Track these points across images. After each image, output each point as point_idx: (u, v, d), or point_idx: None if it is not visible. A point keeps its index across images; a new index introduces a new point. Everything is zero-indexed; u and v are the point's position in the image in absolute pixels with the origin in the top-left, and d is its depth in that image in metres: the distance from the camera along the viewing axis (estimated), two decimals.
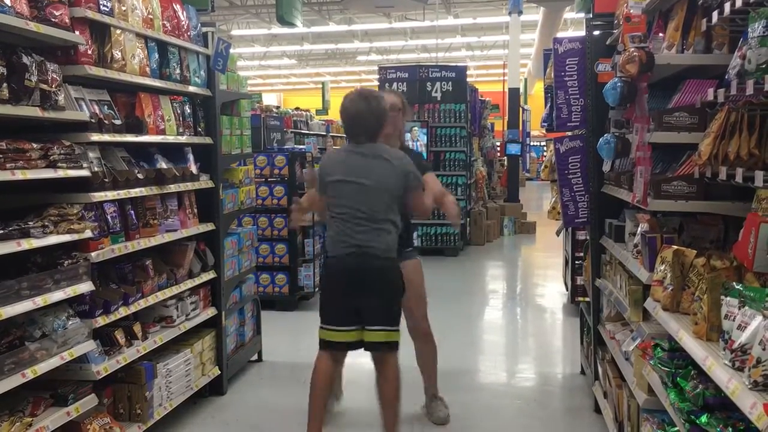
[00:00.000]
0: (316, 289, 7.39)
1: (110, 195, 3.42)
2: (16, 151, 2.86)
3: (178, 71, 4.10)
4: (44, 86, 2.97)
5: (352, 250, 3.46)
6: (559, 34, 10.89)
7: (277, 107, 18.83)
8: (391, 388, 3.58)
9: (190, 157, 4.30)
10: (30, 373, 2.85)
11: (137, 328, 3.73)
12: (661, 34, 3.29)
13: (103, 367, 3.35)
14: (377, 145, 3.57)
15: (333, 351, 3.59)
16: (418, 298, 4.23)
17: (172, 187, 3.97)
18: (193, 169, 4.27)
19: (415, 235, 4.83)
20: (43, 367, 2.93)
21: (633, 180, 3.37)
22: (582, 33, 4.51)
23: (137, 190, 3.64)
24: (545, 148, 28.00)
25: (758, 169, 2.31)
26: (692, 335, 2.42)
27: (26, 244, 2.87)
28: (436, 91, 10.72)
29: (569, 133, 4.70)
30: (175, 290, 4.03)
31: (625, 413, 3.44)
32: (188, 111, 4.27)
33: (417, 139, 10.27)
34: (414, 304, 4.18)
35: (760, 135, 2.37)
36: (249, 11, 20.07)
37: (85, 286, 3.19)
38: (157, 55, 3.92)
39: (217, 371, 4.60)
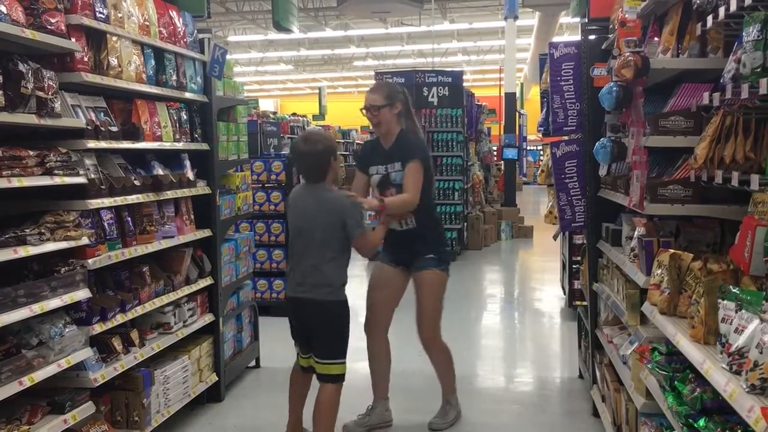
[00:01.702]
0: None
1: (107, 202, 3.42)
2: (12, 158, 2.85)
3: (174, 78, 4.10)
4: (40, 93, 2.97)
5: (299, 287, 3.69)
6: (555, 39, 10.91)
7: (274, 113, 18.84)
8: (317, 411, 3.69)
9: (187, 163, 4.30)
10: (27, 381, 2.84)
11: (134, 335, 3.72)
12: (656, 39, 3.30)
13: (100, 375, 3.34)
14: (319, 192, 3.62)
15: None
16: (424, 313, 4.18)
17: (169, 194, 3.97)
18: (190, 175, 4.27)
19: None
20: (40, 375, 2.92)
21: (629, 184, 3.38)
22: (578, 38, 4.52)
23: (134, 196, 3.64)
24: (542, 153, 28.02)
25: (754, 173, 2.32)
26: (689, 339, 2.42)
27: (23, 252, 2.87)
28: (432, 96, 10.72)
29: (565, 138, 4.71)
30: (172, 297, 4.02)
31: (623, 417, 3.44)
32: (185, 117, 4.27)
33: None
34: (419, 319, 4.19)
35: (756, 138, 2.38)
36: (245, 17, 20.09)
37: (82, 294, 3.18)
38: (153, 62, 3.92)
39: (214, 378, 4.59)
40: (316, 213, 3.58)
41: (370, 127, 13.76)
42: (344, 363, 3.68)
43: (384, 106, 4.00)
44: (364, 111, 4.12)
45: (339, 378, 3.67)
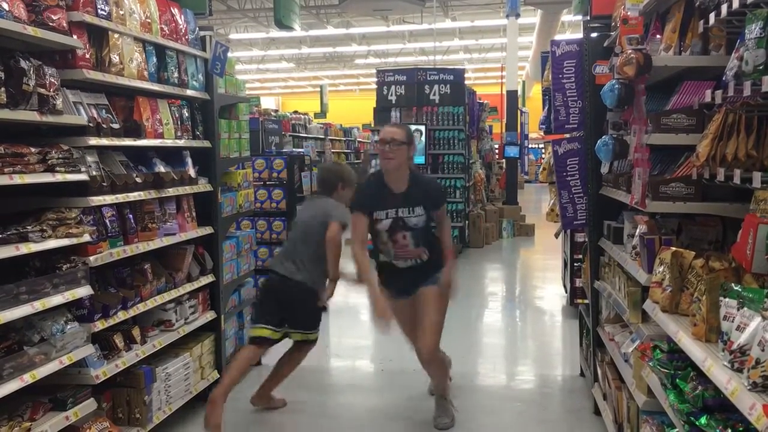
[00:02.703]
0: None
1: (108, 199, 3.42)
2: (14, 155, 2.86)
3: (176, 75, 4.10)
4: (42, 90, 2.97)
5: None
6: (557, 37, 10.91)
7: (276, 110, 18.85)
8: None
9: (189, 160, 4.30)
10: (29, 378, 2.85)
11: (136, 332, 3.72)
12: (658, 36, 3.30)
13: (102, 372, 3.35)
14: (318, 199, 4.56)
15: None
16: (431, 327, 4.08)
17: (171, 191, 3.97)
18: (192, 172, 4.27)
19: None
20: (41, 372, 2.93)
21: (631, 182, 3.37)
22: (579, 35, 4.51)
23: (135, 194, 3.64)
24: (543, 151, 28.00)
25: (756, 170, 2.31)
26: (691, 336, 2.42)
27: (25, 249, 2.87)
28: (434, 94, 10.73)
29: (567, 136, 4.70)
30: (173, 294, 4.03)
31: (625, 415, 3.44)
32: (186, 114, 4.27)
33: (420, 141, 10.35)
34: (424, 333, 4.08)
35: (758, 136, 2.37)
36: (247, 15, 20.09)
37: (84, 291, 3.19)
38: (155, 59, 3.92)
39: (216, 375, 4.59)
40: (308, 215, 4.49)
41: (372, 125, 13.67)
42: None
43: (404, 144, 3.98)
44: (380, 143, 4.04)
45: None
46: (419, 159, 10.39)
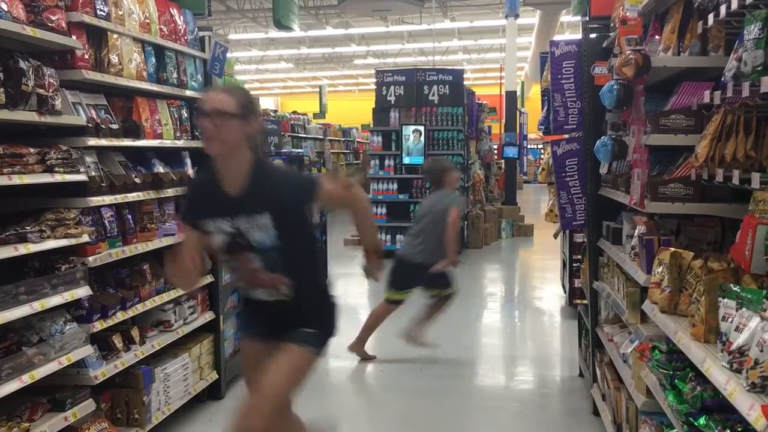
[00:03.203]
0: None
1: (107, 199, 3.42)
2: (13, 155, 2.86)
3: (175, 75, 4.10)
4: (41, 91, 2.97)
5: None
6: (556, 37, 10.91)
7: (275, 111, 18.84)
8: None
9: (188, 161, 4.30)
10: (27, 378, 2.85)
11: (135, 332, 3.72)
12: (657, 37, 3.30)
13: (100, 372, 3.35)
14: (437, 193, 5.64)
15: None
16: (265, 393, 2.72)
17: (170, 192, 3.97)
18: (191, 173, 4.27)
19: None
20: (40, 372, 2.93)
21: (630, 182, 3.37)
22: (578, 36, 4.52)
23: (134, 194, 3.64)
24: (542, 151, 28.01)
25: (755, 171, 2.31)
26: (690, 337, 2.42)
27: (23, 249, 2.87)
28: (433, 95, 10.74)
29: (566, 136, 4.70)
30: (173, 294, 4.02)
31: (624, 415, 3.44)
32: (185, 115, 4.27)
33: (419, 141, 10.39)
34: (253, 401, 2.79)
35: (757, 137, 2.37)
36: (246, 15, 20.07)
37: (83, 291, 3.18)
38: (154, 60, 3.92)
39: (215, 375, 4.59)
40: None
41: (371, 126, 13.63)
42: None
43: (235, 116, 2.57)
44: (197, 116, 2.99)
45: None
46: (417, 159, 10.42)
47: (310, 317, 2.81)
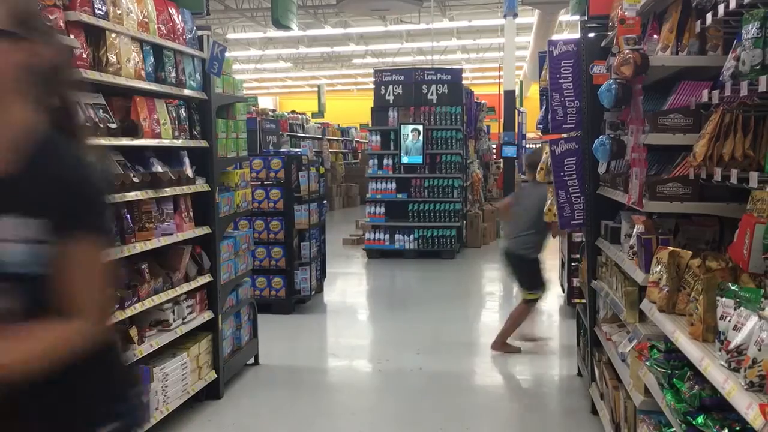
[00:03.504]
0: (313, 292, 7.39)
1: None
2: None
3: (173, 75, 4.10)
4: None
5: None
6: (554, 37, 10.93)
7: (273, 110, 18.84)
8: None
9: (186, 160, 4.30)
10: None
11: (133, 332, 3.72)
12: (655, 36, 3.30)
13: None
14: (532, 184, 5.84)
15: None
16: None
17: (168, 191, 3.97)
18: (189, 172, 4.27)
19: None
20: None
21: (628, 182, 3.38)
22: (577, 35, 4.52)
23: (133, 193, 3.63)
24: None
25: (753, 170, 2.32)
26: (688, 336, 2.42)
27: None
28: (431, 94, 10.75)
29: (565, 136, 4.70)
30: (171, 294, 4.02)
31: (622, 415, 3.45)
32: (184, 114, 4.27)
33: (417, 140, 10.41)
34: None
35: (755, 136, 2.38)
36: (244, 14, 20.06)
37: None
38: (152, 59, 3.91)
39: (213, 375, 4.59)
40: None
41: (370, 125, 13.66)
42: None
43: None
44: None
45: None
46: (417, 159, 10.42)
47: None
